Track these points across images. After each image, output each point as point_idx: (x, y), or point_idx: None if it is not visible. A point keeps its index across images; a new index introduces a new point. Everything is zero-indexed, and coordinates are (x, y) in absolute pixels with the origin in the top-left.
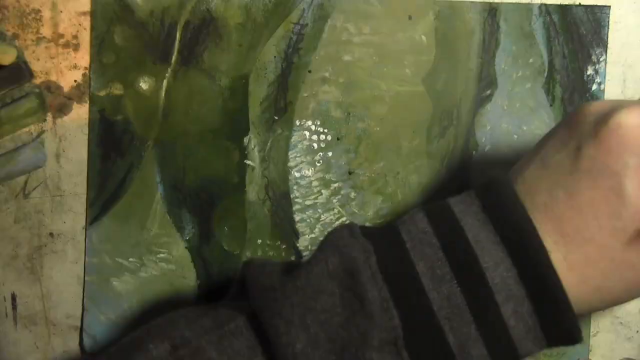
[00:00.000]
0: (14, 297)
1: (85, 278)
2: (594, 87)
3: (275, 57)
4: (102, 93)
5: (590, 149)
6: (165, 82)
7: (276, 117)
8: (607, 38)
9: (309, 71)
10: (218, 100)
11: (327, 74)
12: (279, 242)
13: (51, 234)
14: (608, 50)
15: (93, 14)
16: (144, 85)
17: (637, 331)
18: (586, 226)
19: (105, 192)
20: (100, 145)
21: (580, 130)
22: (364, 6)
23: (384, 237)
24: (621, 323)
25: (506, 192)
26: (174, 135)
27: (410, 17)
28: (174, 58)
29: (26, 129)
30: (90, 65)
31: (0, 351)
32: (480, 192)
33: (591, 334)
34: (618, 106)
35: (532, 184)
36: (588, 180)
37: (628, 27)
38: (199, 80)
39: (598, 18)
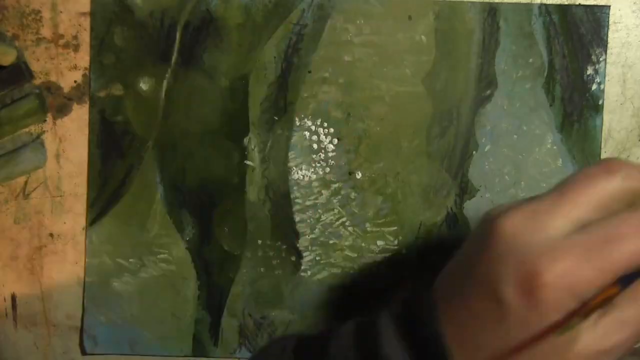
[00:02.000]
0: (14, 298)
1: (86, 279)
2: (594, 86)
3: (275, 57)
4: (102, 94)
5: (478, 257)
6: (165, 83)
7: (276, 118)
8: (607, 38)
9: (309, 71)
10: (218, 100)
11: (327, 75)
12: (279, 243)
13: (51, 235)
14: (608, 51)
15: (93, 14)
16: (144, 85)
17: None
18: (479, 333)
19: (106, 193)
20: (101, 146)
21: (475, 238)
22: (364, 6)
23: (313, 354)
24: None
25: (426, 312)
26: (174, 136)
27: (410, 17)
28: (173, 59)
29: (26, 130)
30: (90, 66)
31: (0, 351)
32: (401, 311)
33: None
34: (501, 212)
35: (445, 293)
36: (478, 288)
37: (628, 27)
38: (199, 81)
39: (598, 18)
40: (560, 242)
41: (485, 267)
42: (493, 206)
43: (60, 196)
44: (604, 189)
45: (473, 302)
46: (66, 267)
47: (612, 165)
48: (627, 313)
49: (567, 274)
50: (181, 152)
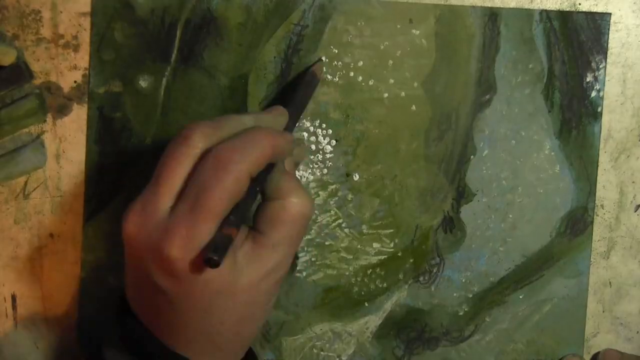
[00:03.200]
0: (14, 298)
1: (81, 274)
2: (593, 93)
3: (275, 57)
4: (101, 90)
5: (128, 261)
6: (164, 81)
7: None
8: (607, 45)
9: None
10: (217, 99)
11: (326, 76)
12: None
13: (51, 235)
14: (608, 51)
15: (93, 10)
16: (143, 83)
17: (638, 332)
18: (170, 318)
19: (103, 189)
20: (98, 142)
21: None
22: (365, 8)
23: None
24: (621, 324)
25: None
26: (173, 133)
27: (411, 21)
28: (173, 56)
29: (26, 130)
30: (89, 62)
31: (0, 351)
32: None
33: (591, 334)
34: (124, 215)
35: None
36: (148, 287)
37: (628, 27)
38: (198, 79)
39: (598, 25)
40: (168, 220)
41: (138, 269)
42: (490, 211)
43: (60, 196)
44: (187, 155)
45: (152, 297)
46: (66, 267)
47: (187, 131)
48: (273, 236)
49: (182, 242)
50: None
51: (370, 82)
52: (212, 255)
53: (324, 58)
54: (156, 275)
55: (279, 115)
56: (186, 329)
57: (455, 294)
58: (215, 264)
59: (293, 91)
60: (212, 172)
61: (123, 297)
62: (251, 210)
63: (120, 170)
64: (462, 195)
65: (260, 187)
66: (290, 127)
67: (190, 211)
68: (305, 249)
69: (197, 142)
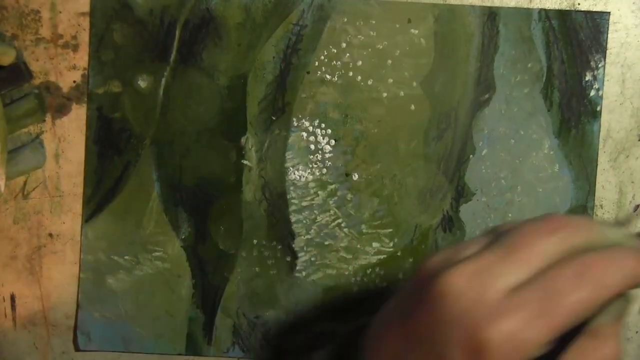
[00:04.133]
0: (13, 298)
1: (80, 275)
2: (592, 92)
3: (274, 57)
4: (100, 90)
5: (420, 317)
6: (163, 81)
7: (274, 118)
8: (606, 44)
9: (308, 72)
10: (216, 99)
11: (325, 76)
12: (275, 243)
13: (50, 235)
14: (607, 51)
15: (92, 10)
16: (143, 83)
17: (637, 332)
18: None
19: (102, 190)
20: (97, 143)
21: (413, 293)
22: (363, 8)
23: None
24: None
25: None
26: (172, 134)
27: (409, 20)
28: (172, 57)
29: (25, 130)
30: (89, 61)
31: None
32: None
33: None
34: (445, 266)
35: (375, 345)
36: (421, 352)
37: (627, 27)
38: (197, 79)
39: (597, 24)
40: (504, 303)
41: (429, 329)
42: (489, 210)
43: (60, 196)
44: (549, 245)
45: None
46: (65, 267)
47: (554, 221)
48: None
49: (513, 337)
50: (178, 150)
51: (369, 82)
52: None
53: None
54: (452, 349)
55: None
56: None
57: None
58: None
59: None
60: (573, 280)
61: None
62: None
63: (119, 171)
64: (462, 194)
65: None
66: None
67: (535, 309)
68: (305, 248)
69: (565, 243)
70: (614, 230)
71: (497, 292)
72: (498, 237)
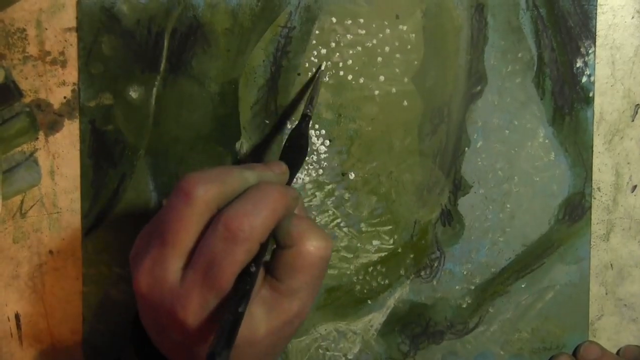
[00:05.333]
0: (17, 317)
1: (83, 289)
2: (584, 79)
3: (264, 61)
4: (92, 104)
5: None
6: (154, 90)
7: (267, 121)
8: (596, 30)
9: (299, 74)
10: (208, 106)
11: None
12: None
13: (50, 252)
14: (596, 34)
15: (79, 24)
16: (134, 94)
17: None
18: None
19: (99, 203)
20: (92, 156)
21: None
22: (351, 7)
23: None
24: (625, 305)
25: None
26: (166, 143)
27: (397, 16)
28: (162, 66)
29: (19, 149)
30: (78, 76)
31: None
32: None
33: (595, 317)
34: (136, 268)
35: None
36: (164, 341)
37: (614, 9)
38: (188, 87)
39: (585, 10)
40: (180, 286)
41: (154, 321)
42: (487, 202)
43: (57, 212)
44: (191, 214)
45: (171, 343)
46: (68, 282)
47: (187, 185)
48: (292, 284)
49: (199, 310)
50: (173, 159)
51: (361, 80)
52: (216, 351)
53: (324, 64)
54: (173, 334)
55: (282, 174)
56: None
57: (457, 287)
58: None
59: (289, 144)
60: (222, 243)
61: (137, 321)
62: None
63: (115, 183)
64: (459, 187)
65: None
66: (292, 177)
67: (202, 281)
68: None
69: (201, 201)
70: (256, 172)
71: (171, 278)
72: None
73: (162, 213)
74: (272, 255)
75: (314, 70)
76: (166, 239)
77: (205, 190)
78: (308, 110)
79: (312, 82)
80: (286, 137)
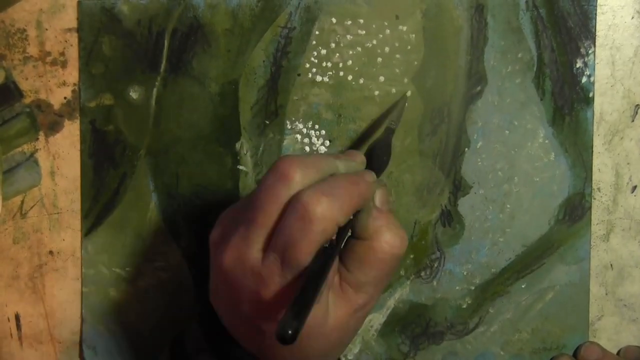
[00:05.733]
0: (17, 318)
1: (83, 289)
2: (584, 79)
3: (264, 61)
4: (92, 104)
5: (223, 288)
6: (155, 91)
7: (267, 122)
8: (595, 30)
9: (299, 74)
10: (208, 106)
11: (317, 77)
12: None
13: (51, 252)
14: (595, 35)
15: (80, 24)
16: (134, 94)
17: None
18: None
19: (99, 203)
20: (93, 156)
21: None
22: (351, 7)
23: None
24: (625, 305)
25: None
26: (166, 143)
27: (397, 17)
28: (162, 66)
29: (19, 149)
30: (79, 76)
31: None
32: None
33: (595, 318)
34: (220, 243)
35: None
36: (239, 319)
37: (613, 9)
38: (188, 88)
39: (585, 10)
40: (262, 268)
41: (233, 298)
42: (487, 202)
43: (58, 213)
44: (287, 196)
45: (246, 325)
46: (68, 283)
47: (286, 168)
48: (360, 277)
49: (277, 289)
50: (173, 159)
51: (361, 81)
52: (285, 331)
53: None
54: (252, 313)
55: (361, 164)
56: (272, 355)
57: (457, 287)
58: (289, 341)
59: (372, 153)
60: (299, 222)
61: (206, 300)
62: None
63: (115, 183)
64: (459, 188)
65: (349, 227)
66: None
67: (281, 262)
68: None
69: (298, 185)
70: (344, 161)
71: (254, 258)
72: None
73: (257, 194)
74: (345, 244)
75: (314, 70)
76: (257, 218)
77: (303, 174)
78: (392, 124)
79: (396, 106)
80: (286, 137)
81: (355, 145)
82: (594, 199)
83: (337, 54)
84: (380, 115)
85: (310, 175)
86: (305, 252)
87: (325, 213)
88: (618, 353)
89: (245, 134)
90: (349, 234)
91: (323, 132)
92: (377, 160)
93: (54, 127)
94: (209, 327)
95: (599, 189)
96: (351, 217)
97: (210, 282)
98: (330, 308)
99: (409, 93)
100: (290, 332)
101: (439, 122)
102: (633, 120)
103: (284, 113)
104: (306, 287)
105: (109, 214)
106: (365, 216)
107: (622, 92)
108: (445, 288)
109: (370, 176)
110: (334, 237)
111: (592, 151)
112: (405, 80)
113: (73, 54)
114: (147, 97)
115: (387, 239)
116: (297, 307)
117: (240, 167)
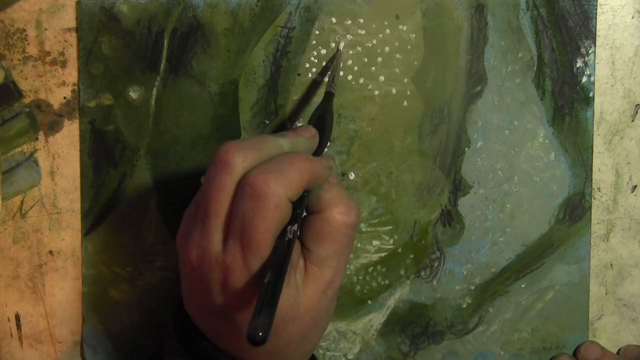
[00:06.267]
0: (18, 318)
1: (83, 289)
2: (584, 79)
3: (264, 61)
4: (92, 104)
5: (187, 285)
6: (154, 91)
7: (267, 121)
8: (596, 30)
9: (298, 74)
10: (208, 106)
11: (316, 77)
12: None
13: (51, 252)
14: (596, 34)
15: (79, 24)
16: (134, 94)
17: None
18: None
19: (99, 203)
20: (92, 156)
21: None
22: (351, 7)
23: None
24: (625, 305)
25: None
26: (166, 143)
27: (397, 17)
28: (162, 66)
29: (19, 149)
30: (78, 76)
31: None
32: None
33: (595, 317)
34: (185, 243)
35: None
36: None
37: (614, 9)
38: (188, 88)
39: (585, 10)
40: (224, 255)
41: (203, 294)
42: (487, 202)
43: (58, 213)
44: (231, 182)
45: (217, 320)
46: (68, 283)
47: (226, 155)
48: (320, 252)
49: (243, 276)
50: (173, 159)
51: (361, 81)
52: (256, 332)
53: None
54: (223, 305)
55: (312, 138)
56: (250, 350)
57: (457, 287)
58: (261, 342)
59: (318, 111)
60: (250, 202)
61: (180, 308)
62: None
63: (115, 183)
64: (459, 187)
65: (304, 206)
66: (321, 149)
67: (241, 247)
68: None
69: (240, 169)
70: (289, 139)
71: (216, 248)
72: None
73: (203, 187)
74: (302, 222)
75: (314, 70)
76: (209, 210)
77: (243, 157)
78: (331, 88)
79: (333, 62)
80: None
81: (295, 113)
82: (594, 198)
83: None
84: (316, 76)
85: (250, 158)
86: (262, 229)
87: (275, 189)
88: (618, 352)
89: (245, 133)
90: (304, 214)
91: None
92: (321, 130)
93: (53, 127)
94: (186, 337)
95: (599, 188)
96: (305, 195)
97: (182, 286)
98: (300, 290)
99: (342, 45)
100: (260, 333)
101: (439, 122)
102: (633, 120)
103: (283, 113)
104: (273, 270)
105: (109, 214)
106: (317, 190)
107: (622, 91)
108: (445, 288)
109: (324, 160)
110: (293, 228)
111: (592, 151)
112: (405, 80)
113: (73, 53)
114: (147, 97)
115: (340, 209)
116: (264, 305)
117: None
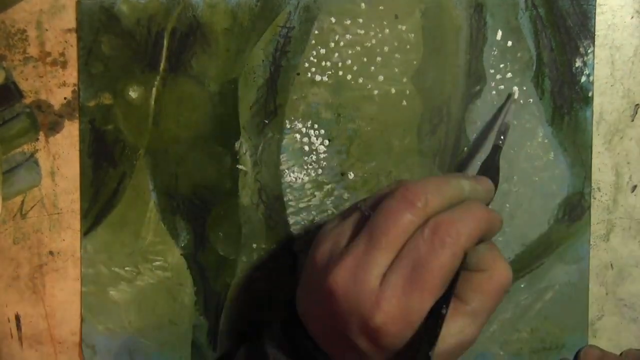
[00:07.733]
0: (18, 318)
1: (82, 289)
2: (583, 79)
3: (263, 60)
4: (92, 103)
5: (321, 306)
6: (154, 90)
7: (266, 121)
8: (594, 29)
9: (298, 74)
10: (208, 106)
11: (316, 76)
12: (274, 246)
13: (51, 253)
14: (594, 34)
15: (79, 24)
16: (133, 93)
17: None
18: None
19: (99, 202)
20: (92, 156)
21: (311, 282)
22: (350, 6)
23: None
24: (625, 305)
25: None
26: (165, 143)
27: (396, 16)
28: (162, 65)
29: (19, 149)
30: (78, 76)
31: None
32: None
33: (595, 317)
34: (330, 259)
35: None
36: (337, 339)
37: (613, 9)
38: (188, 87)
39: (584, 10)
40: (380, 290)
41: (334, 319)
42: None
43: (58, 213)
44: (410, 223)
45: (344, 346)
46: (68, 283)
47: (410, 196)
48: (477, 306)
49: (396, 315)
50: (173, 159)
51: (360, 80)
52: (428, 352)
53: (516, 92)
54: (358, 338)
55: (488, 191)
56: None
57: None
58: None
59: (486, 164)
60: (429, 247)
61: (294, 318)
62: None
63: (115, 183)
64: None
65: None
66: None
67: (406, 286)
68: (305, 250)
69: (422, 212)
70: (470, 182)
71: (373, 281)
72: (366, 219)
73: (379, 218)
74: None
75: (313, 69)
76: (378, 242)
77: (428, 201)
78: (500, 142)
79: (503, 111)
80: (285, 137)
81: (464, 163)
82: (594, 198)
83: (337, 54)
84: (485, 125)
85: (435, 202)
86: (437, 274)
87: (456, 238)
88: (620, 355)
89: (244, 133)
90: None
91: (322, 131)
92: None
93: (54, 128)
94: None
95: (599, 188)
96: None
97: (303, 293)
98: (442, 337)
99: (516, 94)
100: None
101: (438, 122)
102: (633, 120)
103: (283, 112)
104: (430, 322)
105: (108, 214)
106: (481, 248)
107: (622, 91)
108: None
109: (498, 215)
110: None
111: (591, 150)
112: (405, 79)
113: (73, 54)
114: (147, 96)
115: (504, 269)
116: (430, 334)
117: (240, 167)
